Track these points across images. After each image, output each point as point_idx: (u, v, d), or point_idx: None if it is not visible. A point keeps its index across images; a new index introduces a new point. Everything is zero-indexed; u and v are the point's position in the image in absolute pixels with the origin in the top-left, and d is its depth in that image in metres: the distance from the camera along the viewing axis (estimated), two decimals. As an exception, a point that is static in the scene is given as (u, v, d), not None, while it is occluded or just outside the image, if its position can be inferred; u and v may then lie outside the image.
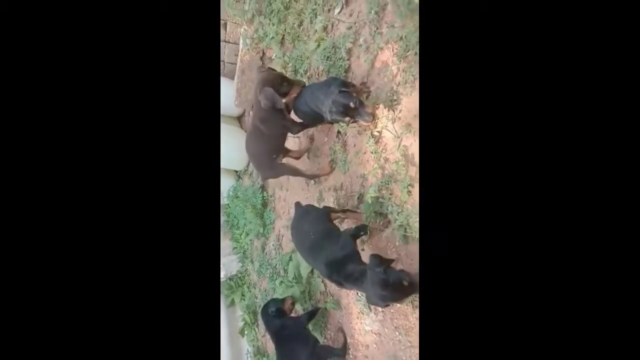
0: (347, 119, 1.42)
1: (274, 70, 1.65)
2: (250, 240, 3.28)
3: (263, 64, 3.27)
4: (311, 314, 1.91)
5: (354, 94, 1.42)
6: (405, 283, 1.11)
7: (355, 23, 1.72)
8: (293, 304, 1.98)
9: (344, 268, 1.27)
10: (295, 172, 2.01)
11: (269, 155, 1.89)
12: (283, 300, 1.95)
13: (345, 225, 1.71)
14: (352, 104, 1.36)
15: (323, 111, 1.47)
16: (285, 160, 2.06)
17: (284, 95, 1.64)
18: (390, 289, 1.10)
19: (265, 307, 1.95)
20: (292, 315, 2.01)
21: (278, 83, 1.58)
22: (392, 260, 1.22)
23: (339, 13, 1.88)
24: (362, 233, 1.46)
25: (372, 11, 1.55)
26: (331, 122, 1.64)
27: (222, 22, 3.54)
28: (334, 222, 1.55)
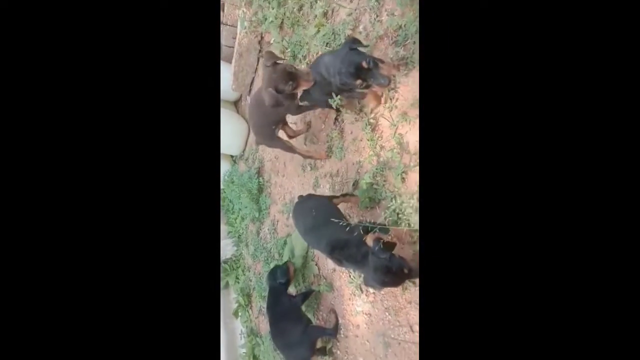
0: (358, 82, 1.24)
1: (279, 63, 1.48)
2: (246, 224, 3.32)
3: (261, 48, 3.24)
4: (305, 295, 1.97)
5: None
6: (406, 271, 1.16)
7: (355, 10, 1.72)
8: (295, 270, 2.06)
9: (346, 249, 1.29)
10: (290, 149, 2.03)
11: (269, 125, 1.91)
12: (287, 270, 2.01)
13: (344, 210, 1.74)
14: (364, 64, 1.21)
15: (331, 74, 1.30)
16: (281, 134, 2.07)
17: (290, 93, 1.53)
18: (392, 275, 1.15)
19: (273, 273, 2.01)
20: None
21: (283, 83, 1.45)
22: (394, 245, 1.25)
23: (339, -1, 1.87)
24: (375, 230, 1.37)
25: (373, -2, 1.56)
26: (336, 107, 1.51)
27: (220, 3, 3.48)
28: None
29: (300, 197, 1.77)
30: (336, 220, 1.33)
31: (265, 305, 2.72)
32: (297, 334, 1.78)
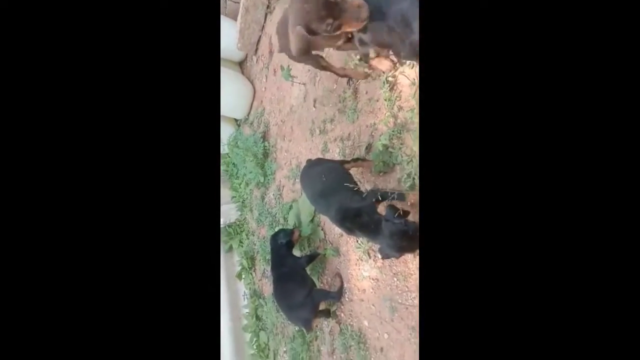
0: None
1: None
2: (250, 189, 3.29)
3: (269, 3, 3.03)
4: (311, 257, 1.97)
5: None
6: (411, 232, 1.12)
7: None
8: (300, 235, 2.04)
9: (359, 218, 1.25)
10: (325, 68, 1.59)
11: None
12: (292, 232, 1.99)
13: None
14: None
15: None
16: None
17: (330, 33, 1.09)
18: (409, 239, 1.11)
19: (275, 235, 2.00)
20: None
21: (319, 19, 1.04)
22: (408, 213, 1.21)
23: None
24: (392, 198, 1.29)
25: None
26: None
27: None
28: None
29: (309, 161, 1.71)
30: (350, 186, 1.27)
31: (268, 268, 2.75)
32: (300, 296, 1.79)
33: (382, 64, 1.40)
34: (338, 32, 1.09)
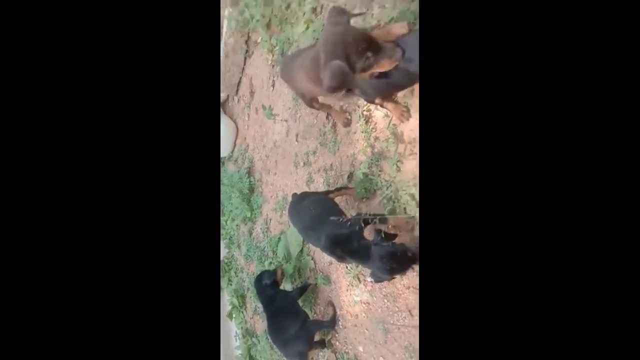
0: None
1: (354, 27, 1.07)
2: (237, 225, 3.29)
3: (248, 48, 3.24)
4: (302, 289, 1.98)
5: None
6: (410, 254, 1.19)
7: (345, 4, 1.76)
8: (283, 274, 2.03)
9: (348, 244, 1.30)
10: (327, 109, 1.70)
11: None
12: (274, 272, 2.00)
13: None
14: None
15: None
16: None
17: (363, 70, 1.07)
18: (397, 260, 1.17)
19: (259, 278, 2.00)
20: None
21: (358, 51, 1.02)
22: (395, 236, 1.28)
23: (328, -5, 1.90)
24: (374, 221, 1.38)
25: (363, -7, 1.60)
26: None
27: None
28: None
29: (295, 195, 1.78)
30: (334, 218, 1.34)
31: (260, 305, 2.71)
32: (294, 330, 1.78)
33: (396, 109, 1.42)
34: (368, 72, 1.09)
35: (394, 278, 1.33)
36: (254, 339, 2.84)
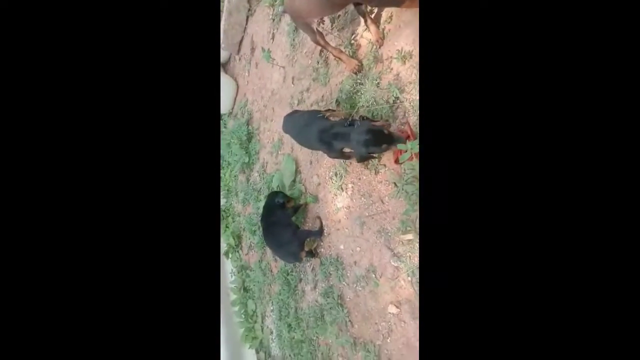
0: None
1: None
2: (235, 175, 3.54)
3: (250, 7, 3.45)
4: (296, 208, 2.25)
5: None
6: (386, 132, 1.43)
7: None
8: (296, 207, 2.26)
9: (333, 129, 1.57)
10: (321, 44, 1.82)
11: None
12: (289, 197, 2.26)
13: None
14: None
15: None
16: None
17: None
18: (373, 133, 1.41)
19: (273, 194, 2.26)
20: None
21: None
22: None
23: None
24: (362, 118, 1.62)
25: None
26: None
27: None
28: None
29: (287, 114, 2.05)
30: (320, 115, 1.60)
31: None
32: (287, 236, 2.06)
33: (376, 34, 1.70)
34: None
35: (372, 155, 1.56)
36: (248, 271, 3.11)
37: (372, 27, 1.68)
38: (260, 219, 2.30)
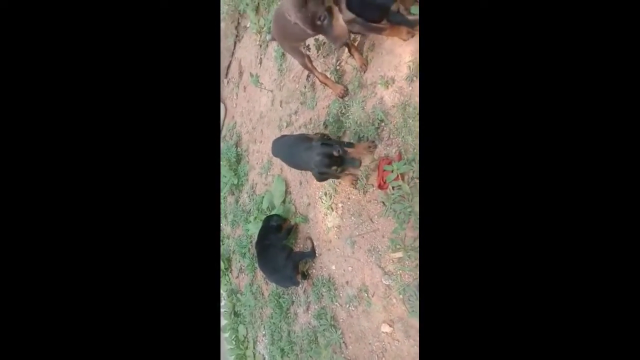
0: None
1: None
2: (224, 197, 3.53)
3: (238, 33, 3.56)
4: (288, 231, 2.26)
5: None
6: (336, 154, 1.47)
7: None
8: (288, 229, 2.26)
9: (306, 141, 1.64)
10: (309, 68, 1.90)
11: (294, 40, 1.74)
12: (285, 219, 2.27)
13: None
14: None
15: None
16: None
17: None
18: (323, 155, 1.47)
19: (270, 217, 2.27)
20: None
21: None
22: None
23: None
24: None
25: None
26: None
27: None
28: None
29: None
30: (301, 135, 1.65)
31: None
32: (282, 259, 2.07)
33: (360, 60, 1.78)
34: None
35: (326, 175, 1.61)
36: (238, 295, 3.05)
37: (356, 54, 1.77)
38: (255, 243, 2.29)
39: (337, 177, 1.66)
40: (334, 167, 1.49)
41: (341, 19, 1.30)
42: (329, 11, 1.28)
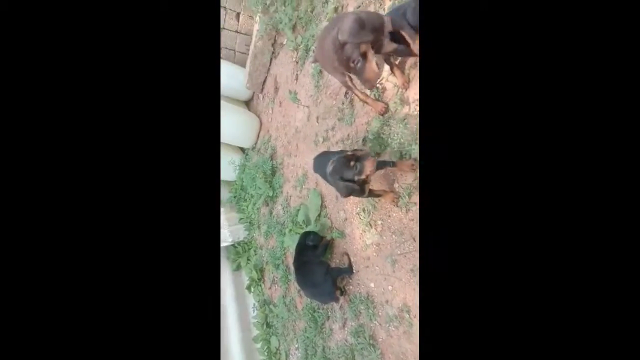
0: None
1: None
2: (258, 207, 3.61)
3: (274, 50, 3.68)
4: (325, 247, 2.27)
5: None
6: (352, 163, 1.51)
7: (362, 3, 2.15)
8: (325, 245, 2.27)
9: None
10: (349, 87, 1.83)
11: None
12: (321, 237, 2.28)
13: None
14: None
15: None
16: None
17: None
18: (336, 162, 1.53)
19: (306, 234, 2.29)
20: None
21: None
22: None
23: (347, -3, 2.31)
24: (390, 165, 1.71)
25: (377, -9, 1.99)
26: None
27: (235, 13, 3.96)
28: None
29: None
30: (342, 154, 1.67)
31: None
32: (320, 275, 2.08)
33: (401, 78, 1.79)
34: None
35: (351, 189, 1.61)
36: (270, 306, 3.08)
37: (398, 72, 1.78)
38: (293, 262, 2.32)
39: (362, 194, 1.65)
40: (351, 176, 1.50)
41: (374, 63, 1.35)
42: (364, 56, 1.33)
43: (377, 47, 1.41)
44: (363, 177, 1.56)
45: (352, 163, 1.54)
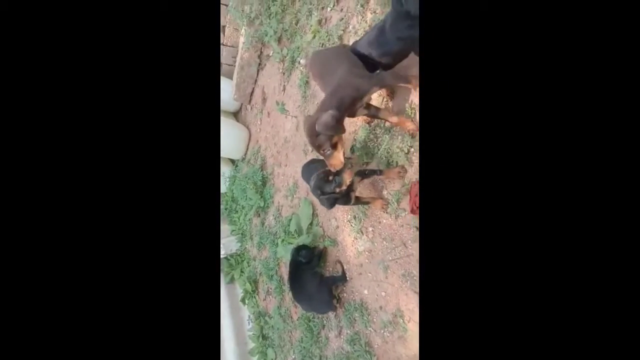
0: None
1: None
2: (249, 219, 3.60)
3: (261, 61, 3.72)
4: (319, 257, 2.28)
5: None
6: (330, 178, 1.57)
7: (345, 15, 2.21)
8: (318, 254, 2.28)
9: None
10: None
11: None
12: (313, 249, 2.29)
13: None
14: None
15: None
16: None
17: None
18: (317, 179, 1.59)
19: (299, 249, 2.29)
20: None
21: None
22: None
23: (331, 10, 2.37)
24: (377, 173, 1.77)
25: (359, 4, 2.04)
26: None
27: (221, 26, 3.99)
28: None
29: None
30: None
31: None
32: (315, 285, 2.09)
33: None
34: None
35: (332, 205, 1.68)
36: (266, 318, 3.06)
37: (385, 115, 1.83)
38: (287, 276, 2.32)
39: (349, 202, 1.70)
40: (331, 189, 1.57)
41: (342, 154, 1.55)
42: (334, 147, 1.53)
43: (351, 113, 1.56)
44: (344, 188, 1.61)
45: (330, 177, 1.60)
